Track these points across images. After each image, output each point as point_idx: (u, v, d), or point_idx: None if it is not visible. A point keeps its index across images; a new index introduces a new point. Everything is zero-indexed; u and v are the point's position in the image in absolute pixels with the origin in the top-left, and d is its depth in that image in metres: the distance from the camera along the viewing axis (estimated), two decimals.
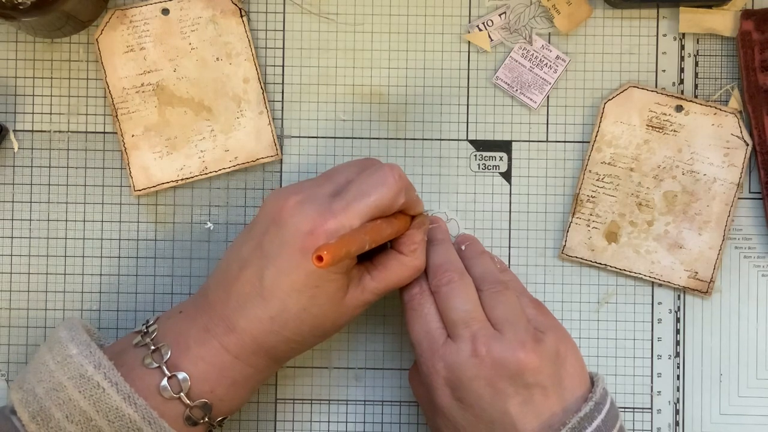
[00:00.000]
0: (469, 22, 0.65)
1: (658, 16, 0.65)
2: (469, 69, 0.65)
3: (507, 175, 0.65)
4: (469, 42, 0.64)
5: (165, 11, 0.64)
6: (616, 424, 0.55)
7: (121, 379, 0.53)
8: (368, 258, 0.57)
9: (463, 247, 0.61)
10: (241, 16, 0.64)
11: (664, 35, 0.65)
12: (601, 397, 0.55)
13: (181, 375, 0.54)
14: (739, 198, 0.64)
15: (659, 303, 0.64)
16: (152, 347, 0.55)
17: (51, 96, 0.64)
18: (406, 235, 0.57)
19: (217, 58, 0.64)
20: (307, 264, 0.53)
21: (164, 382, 0.54)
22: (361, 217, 0.53)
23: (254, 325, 0.54)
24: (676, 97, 0.64)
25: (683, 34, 0.65)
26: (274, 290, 0.54)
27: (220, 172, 0.64)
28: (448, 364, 0.54)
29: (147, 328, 0.56)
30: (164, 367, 0.54)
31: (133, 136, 0.63)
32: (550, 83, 0.64)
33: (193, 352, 0.55)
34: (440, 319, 0.56)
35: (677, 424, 0.64)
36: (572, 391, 0.54)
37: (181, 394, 0.54)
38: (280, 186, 0.64)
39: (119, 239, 0.64)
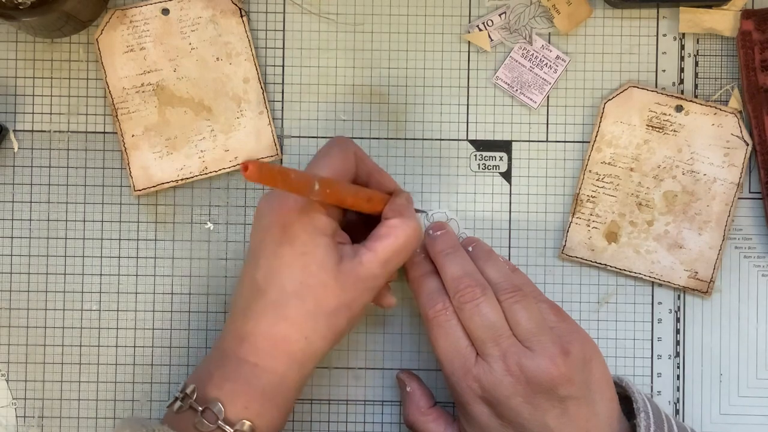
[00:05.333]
0: (469, 22, 0.65)
1: (658, 16, 0.65)
2: (469, 69, 0.65)
3: (507, 175, 0.65)
4: (469, 42, 0.64)
5: (165, 11, 0.64)
6: (662, 416, 0.57)
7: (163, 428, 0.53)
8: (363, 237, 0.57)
9: (470, 248, 0.61)
10: (241, 16, 0.64)
11: (664, 35, 0.65)
12: (643, 404, 0.57)
13: (213, 405, 0.53)
14: (739, 198, 0.64)
15: (659, 303, 0.64)
16: (180, 395, 0.55)
17: (51, 96, 0.64)
18: (389, 201, 0.58)
19: (217, 58, 0.64)
20: (289, 237, 0.54)
21: (198, 417, 0.53)
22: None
23: (260, 321, 0.54)
24: (676, 97, 0.64)
25: (683, 34, 0.65)
26: (269, 277, 0.54)
27: (220, 172, 0.64)
28: (483, 385, 0.56)
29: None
30: (194, 403, 0.54)
31: (133, 136, 0.63)
32: (550, 83, 0.64)
33: (216, 377, 0.54)
34: (467, 335, 0.57)
35: None
36: (601, 394, 0.56)
37: (219, 422, 0.53)
38: None
39: (119, 239, 0.64)
